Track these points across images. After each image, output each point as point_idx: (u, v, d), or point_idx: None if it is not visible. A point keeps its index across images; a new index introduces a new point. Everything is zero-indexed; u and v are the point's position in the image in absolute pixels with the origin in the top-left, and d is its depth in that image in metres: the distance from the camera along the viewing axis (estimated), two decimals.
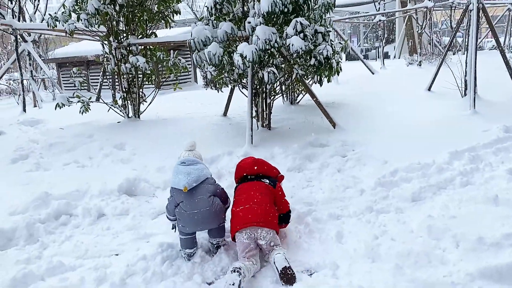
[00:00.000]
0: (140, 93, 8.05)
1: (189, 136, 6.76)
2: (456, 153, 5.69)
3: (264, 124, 7.04)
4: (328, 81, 8.10)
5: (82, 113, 7.85)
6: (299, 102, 9.55)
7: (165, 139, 6.66)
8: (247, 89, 6.81)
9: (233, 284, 3.14)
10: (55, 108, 7.71)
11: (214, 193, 3.80)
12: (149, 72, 7.86)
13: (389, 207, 4.52)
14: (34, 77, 11.63)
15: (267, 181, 3.87)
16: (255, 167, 3.92)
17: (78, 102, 7.74)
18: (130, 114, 8.14)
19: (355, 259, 3.53)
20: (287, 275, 3.27)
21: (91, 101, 7.88)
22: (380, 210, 4.46)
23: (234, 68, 6.17)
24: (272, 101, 7.25)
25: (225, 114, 8.18)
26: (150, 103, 8.30)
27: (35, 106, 12.31)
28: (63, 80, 18.16)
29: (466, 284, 3.07)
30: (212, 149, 6.06)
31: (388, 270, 3.31)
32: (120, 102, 7.98)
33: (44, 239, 4.17)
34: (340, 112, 8.19)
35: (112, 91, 8.04)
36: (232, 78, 6.79)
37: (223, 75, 6.86)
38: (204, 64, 6.06)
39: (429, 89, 9.74)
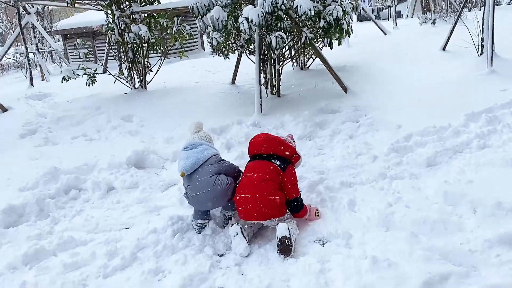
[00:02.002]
0: (146, 63, 7.88)
1: (196, 106, 6.65)
2: (472, 115, 5.49)
3: (273, 91, 6.87)
4: (339, 43, 7.84)
5: (88, 86, 7.75)
6: (309, 67, 9.31)
7: (173, 109, 6.55)
8: (254, 55, 6.60)
9: (236, 234, 3.33)
10: (62, 82, 7.61)
11: (218, 172, 3.65)
12: (153, 41, 7.66)
13: (403, 173, 4.40)
14: (39, 50, 11.49)
15: (278, 162, 3.58)
16: (265, 146, 3.66)
17: (84, 74, 7.62)
18: (137, 85, 8.02)
19: (368, 227, 3.45)
20: (283, 245, 3.21)
21: (96, 73, 7.76)
22: (394, 177, 4.34)
23: (240, 33, 5.95)
24: (281, 67, 7.05)
25: (233, 82, 8.01)
26: (156, 72, 8.14)
27: (43, 79, 12.23)
28: (70, 52, 17.99)
29: (484, 251, 2.97)
30: (220, 118, 5.94)
31: (403, 238, 3.21)
32: (125, 73, 7.83)
33: (55, 214, 4.16)
34: (352, 76, 7.96)
35: (118, 61, 7.88)
36: (238, 44, 6.58)
37: (229, 41, 6.65)
38: (209, 30, 5.85)
39: (443, 49, 9.39)
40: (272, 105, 6.45)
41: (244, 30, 5.46)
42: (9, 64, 16.64)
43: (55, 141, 5.94)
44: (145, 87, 8.02)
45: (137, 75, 7.91)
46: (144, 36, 6.92)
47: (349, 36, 8.44)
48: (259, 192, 3.40)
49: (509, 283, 2.64)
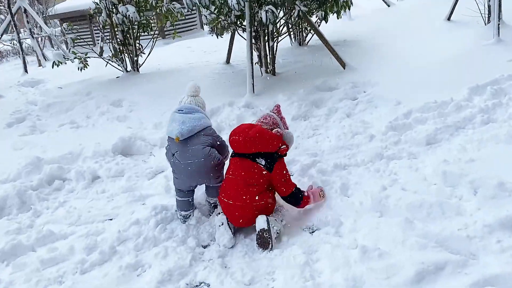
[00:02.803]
0: (137, 45, 7.63)
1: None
2: (477, 88, 5.17)
3: (268, 69, 6.59)
4: (338, 17, 7.50)
5: (80, 70, 7.55)
6: (308, 42, 8.96)
7: (163, 92, 6.32)
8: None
9: (221, 224, 3.17)
10: (52, 67, 7.42)
11: (212, 145, 3.47)
12: (144, 21, 7.39)
13: (401, 152, 4.15)
14: (34, 36, 11.27)
15: (263, 162, 3.23)
16: (246, 146, 3.22)
17: (74, 58, 7.41)
18: (129, 68, 7.78)
19: (360, 213, 3.23)
20: (261, 238, 3.02)
21: (87, 57, 7.54)
22: (391, 157, 4.10)
23: (230, 9, 5.66)
24: (276, 44, 6.75)
25: (227, 61, 7.73)
26: (149, 54, 7.88)
27: (39, 65, 12.05)
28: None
29: (484, 237, 2.75)
30: (212, 100, 5.68)
31: (397, 224, 2.99)
32: (117, 55, 7.59)
33: (37, 207, 4.01)
34: (352, 50, 7.62)
35: (110, 44, 7.63)
36: (230, 21, 6.28)
37: (219, 19, 6.36)
38: (197, 8, 5.55)
39: (448, 19, 8.95)
40: (266, 85, 6.18)
41: (233, 5, 5.17)
42: (8, 51, 16.46)
43: (43, 128, 5.77)
44: (138, 70, 7.78)
45: (128, 58, 7.66)
46: (132, 18, 6.63)
47: (349, 9, 8.08)
48: (242, 200, 3.16)
49: (510, 273, 2.42)
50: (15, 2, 10.53)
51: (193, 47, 10.61)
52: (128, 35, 7.44)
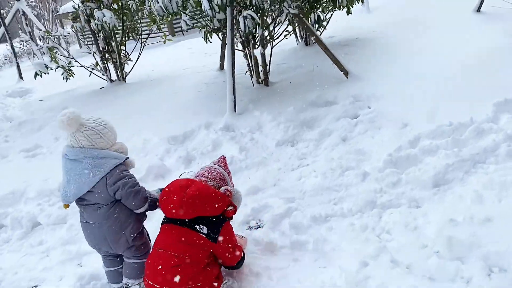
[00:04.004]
0: (123, 52, 6.95)
1: (167, 104, 5.68)
2: (505, 104, 4.19)
3: (259, 80, 5.76)
4: (348, 12, 6.58)
5: (66, 80, 6.97)
6: (316, 42, 8.02)
7: (139, 109, 5.64)
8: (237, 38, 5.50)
9: None
10: (35, 77, 6.87)
11: (114, 199, 2.52)
12: (130, 25, 6.69)
13: (400, 198, 3.30)
14: (33, 39, 10.82)
15: (205, 230, 2.50)
16: (185, 209, 2.48)
17: (57, 68, 6.83)
18: (114, 77, 7.12)
19: None
20: None
21: (71, 66, 6.94)
22: (386, 205, 3.25)
23: (206, 15, 4.85)
24: (271, 49, 5.89)
25: (221, 67, 6.94)
26: (136, 61, 7.19)
27: None
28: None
29: None
30: (187, 121, 4.95)
31: None
32: (100, 64, 6.94)
33: None
34: (360, 52, 6.66)
35: (93, 52, 7.00)
36: (213, 27, 5.48)
37: (200, 24, 5.58)
38: (164, 14, 4.76)
39: (478, 10, 7.79)
40: (254, 99, 5.36)
41: (206, 11, 4.36)
42: (21, 53, 16.19)
43: (5, 153, 5.18)
44: (124, 79, 7.11)
45: (113, 66, 7.00)
46: (109, 24, 5.93)
47: (362, 2, 7.12)
48: (171, 285, 2.38)
49: None
50: (13, 4, 10.09)
51: (194, 48, 9.84)
52: (111, 42, 6.76)
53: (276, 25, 5.73)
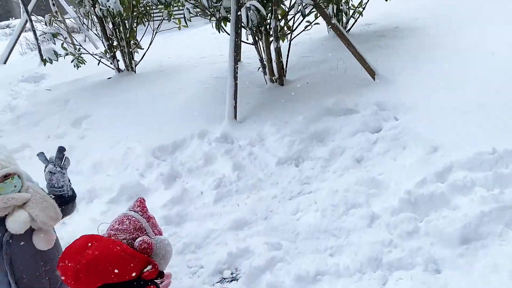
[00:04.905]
0: (132, 40, 6.41)
1: (166, 102, 5.08)
2: None
3: (273, 78, 5.03)
4: None
5: (77, 68, 6.54)
6: (349, 30, 7.14)
7: (135, 107, 5.10)
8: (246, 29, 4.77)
9: None
10: (44, 64, 6.49)
11: None
12: (143, 10, 6.13)
13: (414, 256, 2.57)
14: (60, 21, 10.51)
15: None
16: (81, 281, 1.76)
17: (66, 55, 6.41)
18: (122, 67, 6.61)
19: None
20: None
21: (81, 53, 6.50)
22: (395, 265, 2.54)
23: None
24: (289, 43, 5.13)
25: (238, 59, 6.24)
26: (146, 50, 6.63)
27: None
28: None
29: None
30: (181, 126, 4.35)
31: None
32: (108, 52, 6.45)
33: None
34: (396, 46, 5.76)
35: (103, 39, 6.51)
36: (220, 16, 4.77)
37: (205, 12, 4.91)
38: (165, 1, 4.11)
39: None
40: (260, 103, 4.65)
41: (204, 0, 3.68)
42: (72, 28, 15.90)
43: None
44: (133, 69, 6.58)
45: (122, 55, 6.49)
46: (113, 9, 5.38)
47: None
48: None
49: None
50: None
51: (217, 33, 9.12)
52: (120, 28, 6.23)
53: (295, 14, 4.94)
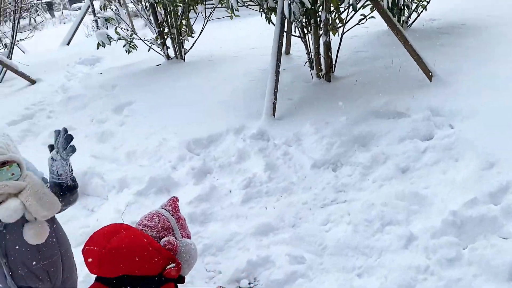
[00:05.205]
0: (183, 27, 6.36)
1: (206, 95, 4.96)
2: None
3: (320, 73, 4.76)
4: None
5: (128, 53, 6.62)
6: (410, 25, 6.67)
7: (182, 95, 5.02)
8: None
9: None
10: (97, 48, 6.61)
11: None
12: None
13: (452, 287, 2.25)
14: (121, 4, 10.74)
15: None
16: (104, 266, 1.78)
17: (118, 39, 6.49)
18: (172, 54, 6.58)
19: None
20: None
21: (133, 38, 6.55)
22: None
23: None
24: (340, 37, 4.83)
25: (287, 52, 6.02)
26: (197, 39, 6.54)
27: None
28: None
29: None
30: (219, 119, 4.21)
31: None
32: (158, 38, 6.44)
33: None
34: (460, 45, 5.28)
35: (154, 25, 6.52)
36: (268, 6, 4.55)
37: (252, 2, 4.71)
38: None
39: None
40: (302, 99, 4.40)
41: None
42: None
43: (38, 131, 4.96)
44: (182, 57, 6.53)
45: (172, 42, 6.45)
46: None
47: None
48: None
49: None
50: None
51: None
52: (172, 14, 6.19)
53: (348, 7, 4.61)
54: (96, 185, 3.66)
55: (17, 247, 1.90)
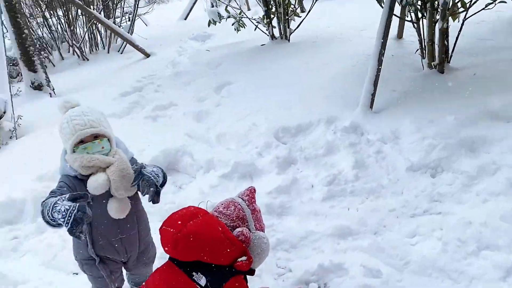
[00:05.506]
0: (290, 6, 6.19)
1: (308, 77, 4.76)
2: None
3: (432, 63, 4.28)
4: None
5: (236, 31, 6.71)
6: None
7: (280, 78, 4.91)
8: None
9: None
10: (208, 25, 6.79)
11: None
12: None
13: None
14: None
15: (203, 281, 1.82)
16: (179, 249, 1.84)
17: (228, 17, 6.59)
18: (277, 34, 6.47)
19: None
20: None
21: (241, 17, 6.60)
22: None
23: None
24: (461, 24, 4.27)
25: (399, 36, 5.54)
26: (304, 19, 6.32)
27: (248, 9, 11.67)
28: None
29: None
30: (311, 107, 4.02)
31: None
32: (265, 18, 6.36)
33: None
34: None
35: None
36: None
37: None
38: None
39: None
40: (407, 92, 3.97)
41: None
42: None
43: (144, 104, 5.25)
44: (287, 38, 6.38)
45: (278, 21, 6.33)
46: None
47: None
48: None
49: None
50: None
51: None
52: None
53: None
54: (186, 163, 3.77)
55: (100, 219, 2.02)
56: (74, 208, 1.63)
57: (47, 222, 1.73)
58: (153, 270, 2.45)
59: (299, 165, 3.46)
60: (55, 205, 1.65)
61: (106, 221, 2.05)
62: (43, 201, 1.80)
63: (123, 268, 2.34)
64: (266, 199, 3.09)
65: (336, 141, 3.52)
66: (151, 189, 1.91)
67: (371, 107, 3.72)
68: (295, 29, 6.40)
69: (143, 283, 2.40)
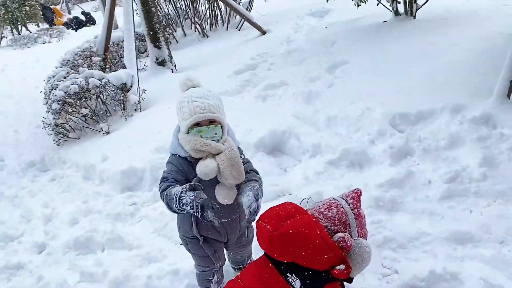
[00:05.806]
0: None
1: (435, 58, 4.30)
2: None
3: None
4: None
5: (357, 6, 6.38)
6: None
7: (402, 58, 4.52)
8: None
9: None
10: (327, 0, 6.56)
11: None
12: None
13: None
14: None
15: (297, 284, 1.76)
16: (274, 247, 1.79)
17: None
18: (402, 10, 5.96)
19: None
20: None
21: None
22: None
23: None
24: None
25: None
26: None
27: None
28: None
29: None
30: (433, 94, 3.62)
31: None
32: None
33: None
34: None
35: None
36: None
37: None
38: None
39: None
40: None
41: None
42: None
43: (256, 83, 5.25)
44: (412, 14, 5.82)
45: None
46: None
47: None
48: None
49: None
50: None
51: None
52: None
53: None
54: (292, 145, 3.70)
55: None
56: (198, 199, 1.80)
57: (174, 212, 1.91)
58: (251, 250, 2.48)
59: (416, 157, 3.15)
60: (181, 198, 1.81)
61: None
62: (162, 191, 1.95)
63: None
64: (376, 192, 2.88)
65: (462, 132, 3.13)
66: (247, 217, 1.88)
67: (508, 96, 3.22)
68: (423, 4, 5.82)
69: (242, 264, 2.44)
